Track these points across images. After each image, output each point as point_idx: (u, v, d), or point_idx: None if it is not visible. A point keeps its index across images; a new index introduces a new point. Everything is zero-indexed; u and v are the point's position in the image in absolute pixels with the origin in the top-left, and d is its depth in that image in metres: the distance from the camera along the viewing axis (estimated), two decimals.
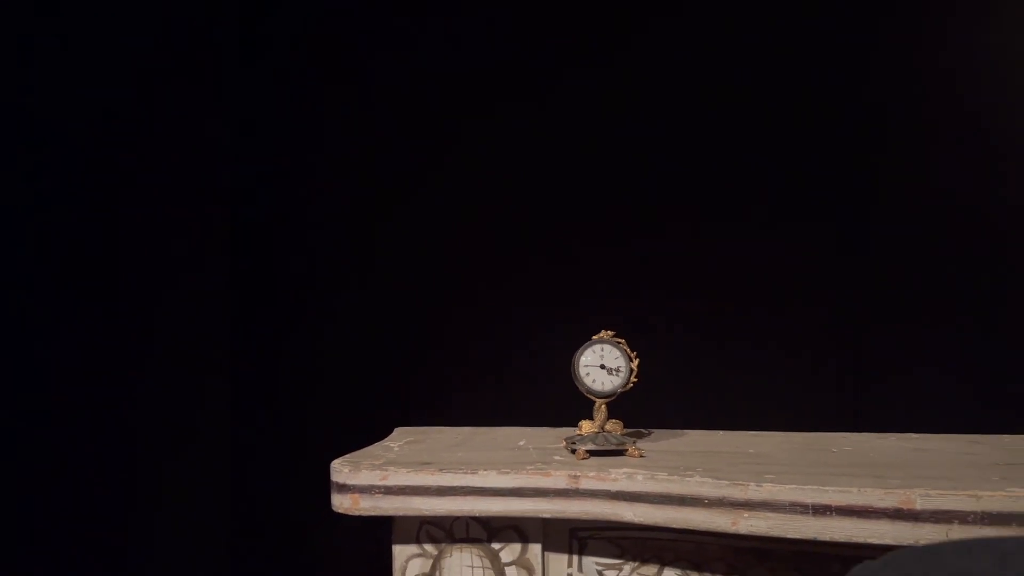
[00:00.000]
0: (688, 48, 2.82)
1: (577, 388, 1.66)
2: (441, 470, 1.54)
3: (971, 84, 2.68)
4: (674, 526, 1.48)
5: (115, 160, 2.76)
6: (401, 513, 1.56)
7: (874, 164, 2.74)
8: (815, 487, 1.39)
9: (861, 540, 1.35)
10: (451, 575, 1.58)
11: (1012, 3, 2.68)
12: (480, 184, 2.92)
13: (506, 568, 1.58)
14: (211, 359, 3.07)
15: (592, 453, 1.62)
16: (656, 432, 1.84)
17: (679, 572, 1.57)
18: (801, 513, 1.39)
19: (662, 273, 2.79)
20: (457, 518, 1.58)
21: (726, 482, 1.43)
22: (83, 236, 2.66)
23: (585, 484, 1.51)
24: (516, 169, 2.90)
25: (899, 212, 2.73)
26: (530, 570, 1.59)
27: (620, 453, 1.63)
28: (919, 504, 1.34)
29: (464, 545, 1.59)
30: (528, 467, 1.54)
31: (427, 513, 1.55)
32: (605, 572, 1.60)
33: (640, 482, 1.49)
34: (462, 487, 1.53)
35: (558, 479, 1.52)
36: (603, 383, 1.64)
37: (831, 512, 1.37)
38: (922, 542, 1.30)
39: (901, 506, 1.35)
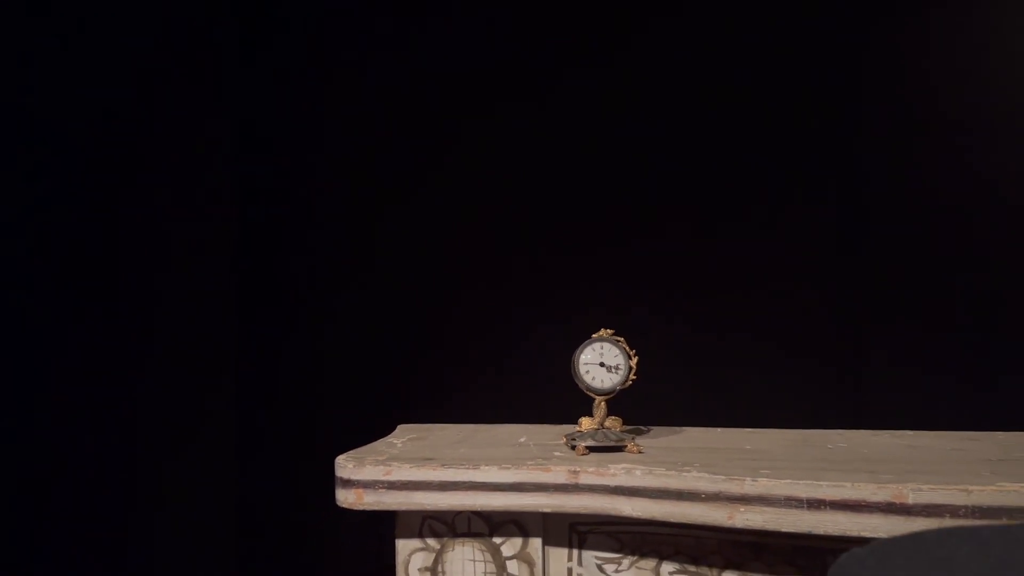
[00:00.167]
0: (688, 48, 2.82)
1: (577, 386, 1.68)
2: (443, 465, 1.56)
3: (972, 84, 2.69)
4: (672, 520, 1.50)
5: (115, 160, 2.77)
6: (404, 508, 1.58)
7: (874, 164, 2.75)
8: (810, 482, 1.41)
9: (855, 534, 1.38)
10: (453, 569, 1.60)
11: (1012, 3, 2.69)
12: (480, 184, 2.92)
13: (507, 562, 1.60)
14: (212, 359, 3.07)
15: (592, 449, 1.64)
16: (655, 429, 1.86)
17: (677, 566, 1.59)
18: (796, 507, 1.41)
19: (662, 272, 2.80)
20: (459, 513, 1.60)
21: (723, 477, 1.46)
22: (83, 236, 2.67)
23: (584, 479, 1.53)
24: (516, 169, 2.91)
25: (898, 212, 2.74)
26: (531, 564, 1.60)
27: (619, 449, 1.65)
28: (911, 498, 1.36)
29: (466, 539, 1.61)
30: (529, 463, 1.56)
31: (430, 508, 1.57)
32: (604, 566, 1.61)
33: (638, 477, 1.51)
34: (464, 482, 1.55)
35: (558, 474, 1.54)
36: (602, 380, 1.67)
37: (825, 506, 1.40)
38: None
39: (894, 500, 1.37)
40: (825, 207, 2.79)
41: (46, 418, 2.54)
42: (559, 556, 1.62)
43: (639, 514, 1.51)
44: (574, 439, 1.67)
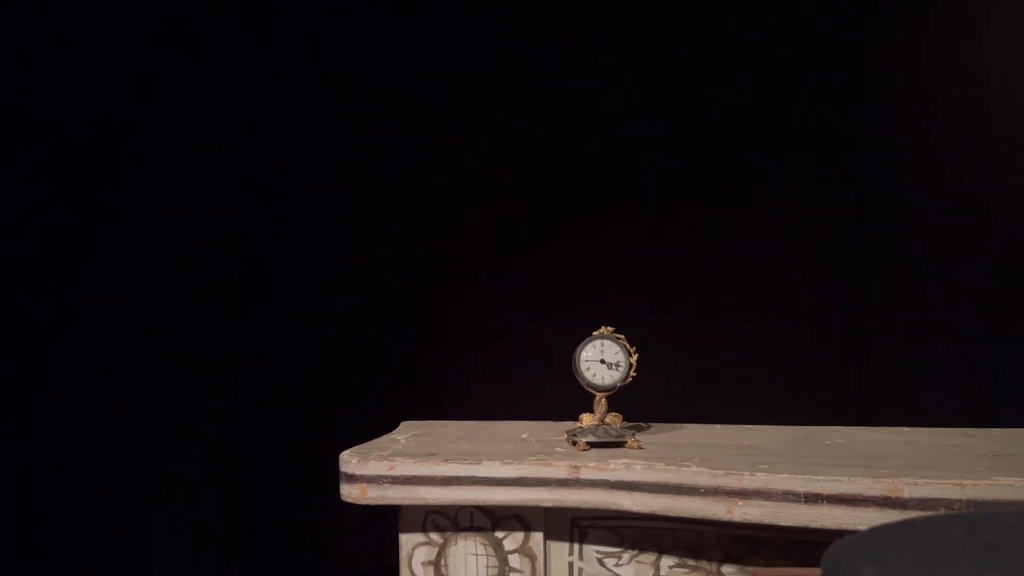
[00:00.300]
0: (688, 48, 2.83)
1: (578, 383, 1.70)
2: (446, 461, 1.58)
3: (972, 83, 2.70)
4: (671, 514, 1.51)
5: (115, 160, 2.77)
6: (407, 502, 1.60)
7: (874, 164, 2.77)
8: (807, 476, 1.43)
9: (851, 527, 1.39)
10: (456, 563, 1.62)
11: (1012, 3, 2.70)
12: (480, 184, 2.93)
13: (509, 556, 1.61)
14: (213, 358, 3.07)
15: (592, 445, 1.65)
16: (655, 425, 1.87)
17: (677, 559, 1.60)
18: (793, 501, 1.42)
19: (662, 271, 2.81)
20: (462, 507, 1.62)
21: (721, 472, 1.47)
22: (83, 236, 2.68)
23: (585, 474, 1.54)
24: (516, 169, 2.92)
25: (897, 211, 2.75)
26: (532, 558, 1.61)
27: (620, 445, 1.66)
28: (907, 492, 1.38)
29: (468, 534, 1.62)
30: (530, 458, 1.58)
31: (433, 502, 1.58)
32: (605, 560, 1.63)
33: (638, 472, 1.52)
34: (467, 477, 1.56)
35: (559, 469, 1.55)
36: (603, 377, 1.68)
37: (822, 500, 1.41)
38: None
39: (889, 494, 1.39)
40: (824, 206, 2.80)
41: (46, 418, 2.54)
42: (560, 550, 1.64)
43: (639, 508, 1.53)
44: (575, 435, 1.68)
